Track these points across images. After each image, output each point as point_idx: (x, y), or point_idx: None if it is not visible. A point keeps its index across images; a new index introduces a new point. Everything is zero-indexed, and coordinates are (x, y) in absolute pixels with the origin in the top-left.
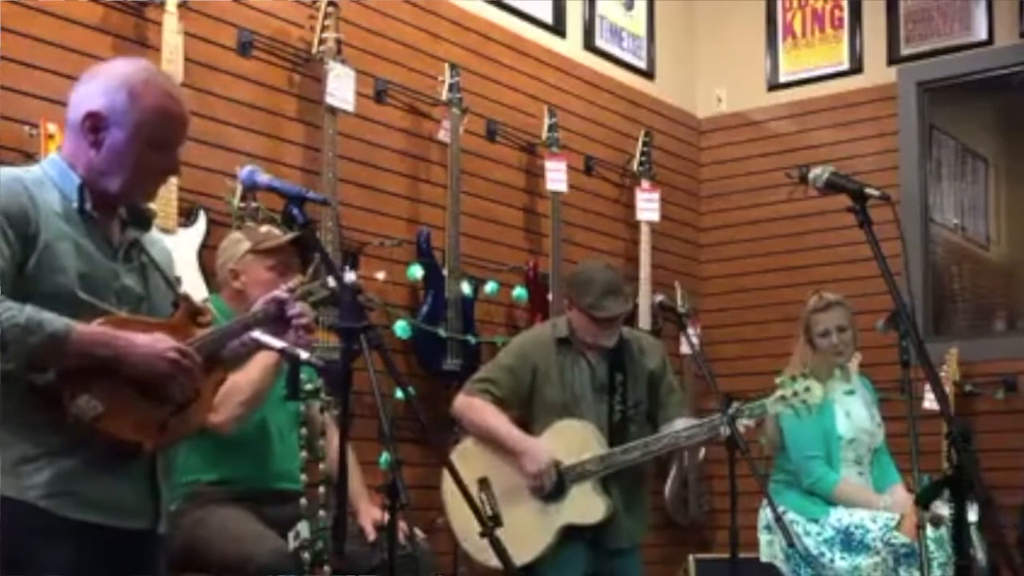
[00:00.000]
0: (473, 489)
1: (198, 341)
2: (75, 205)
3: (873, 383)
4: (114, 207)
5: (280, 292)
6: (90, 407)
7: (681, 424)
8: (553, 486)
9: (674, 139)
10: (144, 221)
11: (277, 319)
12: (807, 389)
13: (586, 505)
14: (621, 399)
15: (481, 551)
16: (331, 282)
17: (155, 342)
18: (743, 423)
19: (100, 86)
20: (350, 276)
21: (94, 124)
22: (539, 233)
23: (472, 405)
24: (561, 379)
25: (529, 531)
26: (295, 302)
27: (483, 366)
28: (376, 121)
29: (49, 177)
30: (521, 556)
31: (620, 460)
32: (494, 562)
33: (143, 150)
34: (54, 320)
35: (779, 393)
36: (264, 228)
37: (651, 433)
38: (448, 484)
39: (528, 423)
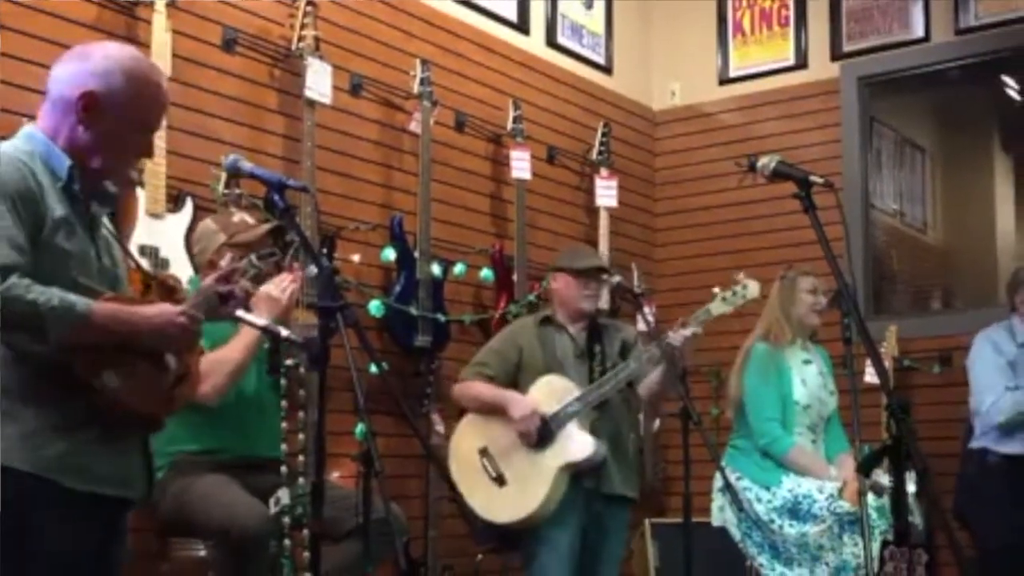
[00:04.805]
0: (475, 459)
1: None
2: (61, 184)
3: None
4: (90, 184)
5: (213, 277)
6: (111, 382)
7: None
8: (539, 431)
9: (631, 130)
10: (109, 199)
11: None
12: (744, 287)
13: (576, 442)
14: (600, 363)
15: (480, 506)
16: (254, 259)
17: (163, 310)
18: (692, 330)
19: (96, 67)
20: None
21: (88, 103)
22: (505, 218)
23: (466, 385)
24: (543, 349)
25: (529, 481)
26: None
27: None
28: (352, 113)
29: (38, 153)
30: (527, 505)
31: (596, 394)
32: (503, 517)
33: (131, 131)
34: (78, 301)
35: (719, 296)
36: (236, 217)
37: (627, 397)
38: (453, 450)
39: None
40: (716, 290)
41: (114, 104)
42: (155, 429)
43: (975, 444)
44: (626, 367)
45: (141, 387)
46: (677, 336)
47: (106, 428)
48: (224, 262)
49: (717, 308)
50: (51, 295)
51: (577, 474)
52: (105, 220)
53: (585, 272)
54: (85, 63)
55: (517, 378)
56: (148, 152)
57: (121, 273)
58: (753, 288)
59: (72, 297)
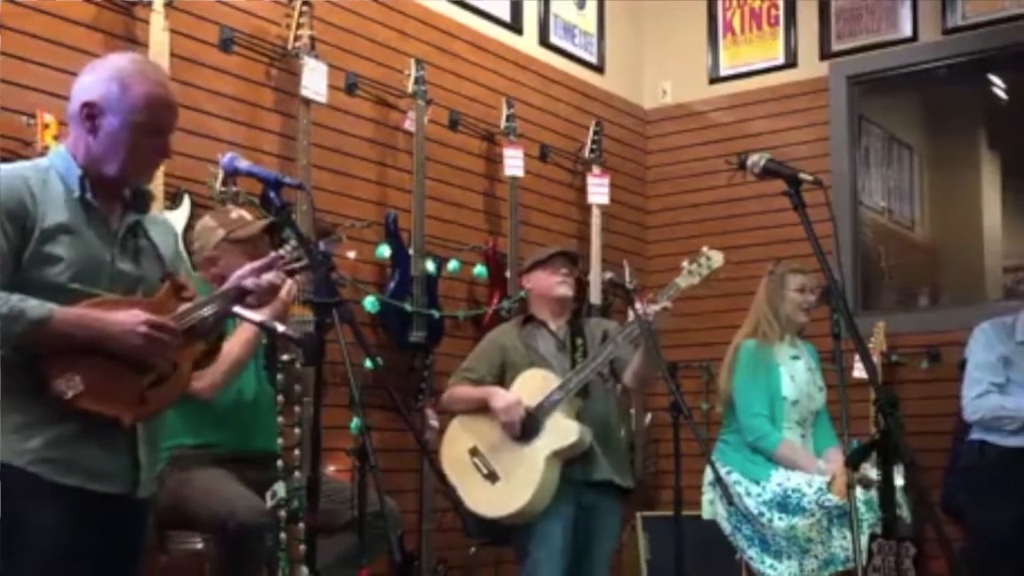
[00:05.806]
0: (467, 459)
1: (180, 314)
2: (76, 194)
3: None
4: (115, 192)
5: (251, 266)
6: (69, 386)
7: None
8: (524, 422)
9: (623, 128)
10: (143, 203)
11: (247, 292)
12: (708, 258)
13: (561, 430)
14: (583, 354)
15: (477, 504)
16: (321, 245)
17: (129, 318)
18: (663, 305)
19: (95, 78)
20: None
21: (90, 112)
22: (498, 215)
23: (452, 390)
24: (527, 347)
25: (520, 474)
26: (270, 272)
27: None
28: (347, 112)
29: (55, 169)
30: (519, 499)
31: (576, 379)
32: (498, 513)
33: (136, 134)
34: (37, 307)
35: (685, 269)
36: (235, 214)
37: (612, 383)
38: (445, 453)
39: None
40: (684, 263)
41: (114, 108)
42: (124, 430)
43: (973, 436)
44: (604, 349)
45: (103, 389)
46: (649, 311)
47: (86, 424)
48: (284, 250)
49: (684, 280)
50: (3, 303)
51: (567, 464)
52: (146, 226)
53: (550, 258)
54: (87, 76)
55: (503, 378)
56: (164, 152)
57: (148, 276)
58: (717, 258)
59: (30, 304)
